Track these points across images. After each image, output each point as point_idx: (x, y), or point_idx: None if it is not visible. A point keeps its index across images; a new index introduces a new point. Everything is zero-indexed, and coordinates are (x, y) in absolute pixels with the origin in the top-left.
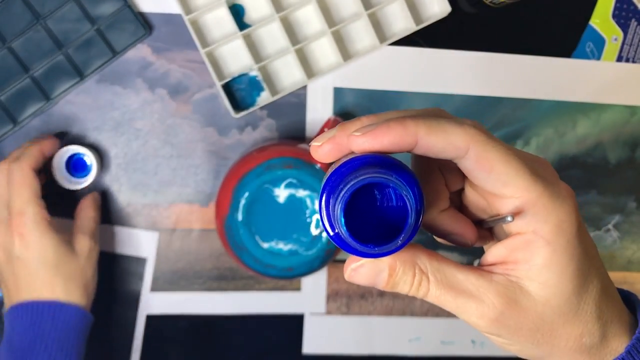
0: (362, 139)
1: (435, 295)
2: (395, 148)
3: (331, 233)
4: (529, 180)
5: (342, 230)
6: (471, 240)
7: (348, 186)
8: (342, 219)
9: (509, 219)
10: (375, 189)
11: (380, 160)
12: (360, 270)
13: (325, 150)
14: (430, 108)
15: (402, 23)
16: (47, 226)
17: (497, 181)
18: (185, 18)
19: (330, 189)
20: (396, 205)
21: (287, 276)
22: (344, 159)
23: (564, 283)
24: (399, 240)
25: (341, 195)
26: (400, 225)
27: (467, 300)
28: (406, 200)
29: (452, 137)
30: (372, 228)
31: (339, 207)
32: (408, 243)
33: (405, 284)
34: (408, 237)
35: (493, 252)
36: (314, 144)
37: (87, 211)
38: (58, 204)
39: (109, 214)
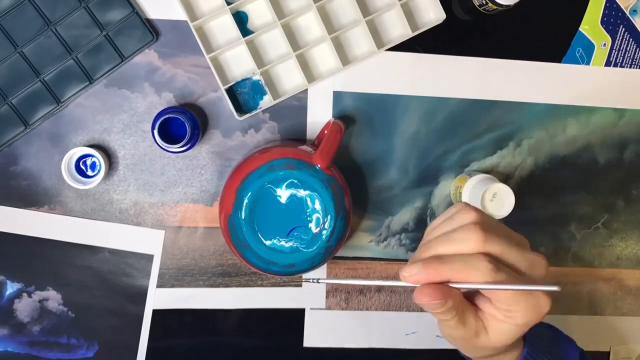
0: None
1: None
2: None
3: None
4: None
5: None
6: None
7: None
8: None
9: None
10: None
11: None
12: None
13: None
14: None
15: (398, 29)
16: None
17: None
18: (191, 25)
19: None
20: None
21: (289, 272)
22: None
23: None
24: (183, 143)
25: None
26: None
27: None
28: (184, 121)
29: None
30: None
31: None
32: (196, 143)
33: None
34: (191, 140)
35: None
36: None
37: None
38: (67, 203)
39: (116, 213)
